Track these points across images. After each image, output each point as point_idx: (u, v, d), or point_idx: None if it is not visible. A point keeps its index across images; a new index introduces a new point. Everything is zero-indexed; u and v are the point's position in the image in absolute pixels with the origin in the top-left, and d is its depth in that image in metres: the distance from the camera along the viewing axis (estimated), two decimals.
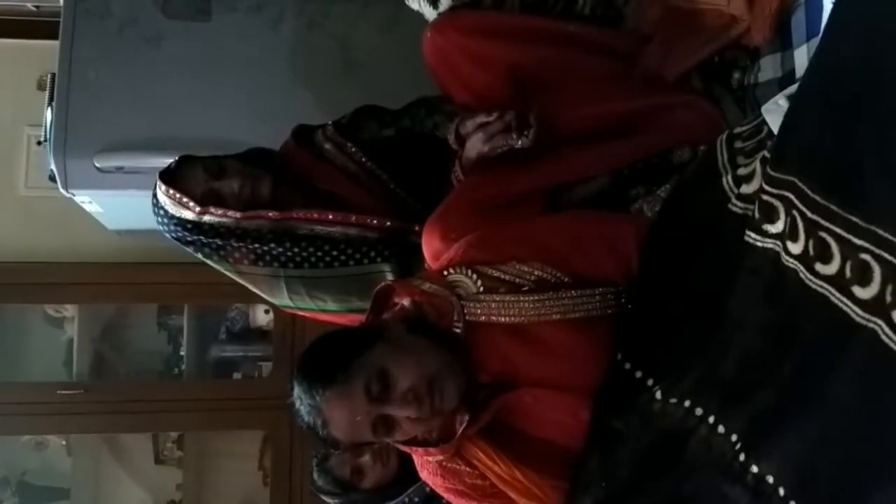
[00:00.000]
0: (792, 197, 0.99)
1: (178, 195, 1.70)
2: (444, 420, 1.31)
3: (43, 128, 2.54)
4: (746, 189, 1.12)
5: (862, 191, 0.90)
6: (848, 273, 0.91)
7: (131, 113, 2.31)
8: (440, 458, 1.35)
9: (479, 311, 1.33)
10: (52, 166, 2.34)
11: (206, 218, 1.71)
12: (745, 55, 1.63)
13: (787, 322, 1.03)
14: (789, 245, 1.00)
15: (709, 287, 1.16)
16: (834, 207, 0.93)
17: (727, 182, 1.16)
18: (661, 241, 1.32)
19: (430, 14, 1.78)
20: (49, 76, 2.52)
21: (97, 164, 2.30)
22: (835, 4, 1.02)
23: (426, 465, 1.41)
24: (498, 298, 1.32)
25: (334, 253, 1.73)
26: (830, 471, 0.98)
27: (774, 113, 1.11)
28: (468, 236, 1.43)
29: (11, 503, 3.59)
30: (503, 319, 1.32)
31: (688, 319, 1.20)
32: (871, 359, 0.90)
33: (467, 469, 1.35)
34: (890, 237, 0.86)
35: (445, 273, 1.37)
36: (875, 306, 0.89)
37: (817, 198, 0.95)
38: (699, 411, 1.15)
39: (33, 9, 3.07)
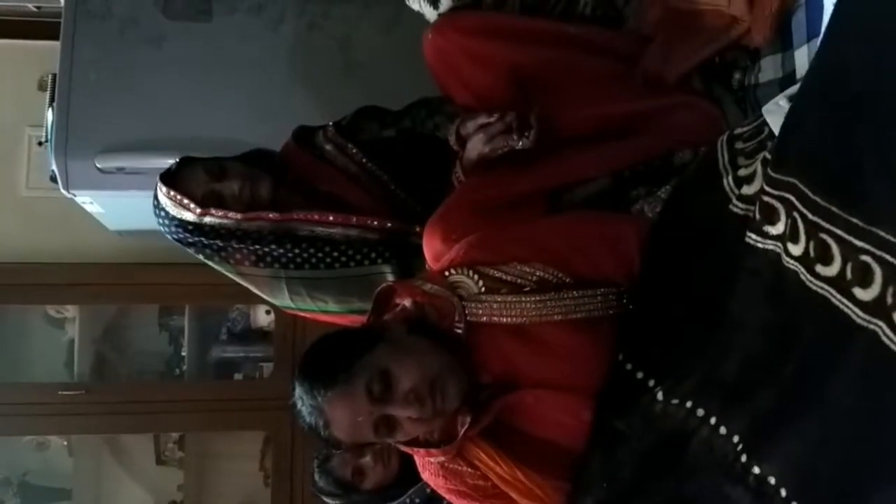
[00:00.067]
0: (793, 198, 0.99)
1: (178, 197, 1.70)
2: (445, 421, 1.31)
3: (44, 128, 2.55)
4: (747, 190, 1.12)
5: (862, 192, 0.90)
6: (849, 274, 0.92)
7: (132, 114, 2.31)
8: (442, 459, 1.36)
9: (480, 312, 1.33)
10: (54, 167, 2.34)
11: (207, 219, 1.71)
12: (745, 56, 1.62)
13: (787, 323, 1.03)
14: (790, 246, 1.00)
15: (710, 288, 1.16)
16: (834, 209, 0.93)
17: (728, 183, 1.16)
18: (661, 242, 1.32)
19: (430, 15, 1.78)
20: (50, 77, 2.52)
21: (98, 165, 2.31)
22: (836, 5, 1.02)
23: (428, 466, 1.41)
24: (499, 299, 1.32)
25: (335, 254, 1.73)
26: (831, 471, 0.98)
27: (775, 114, 1.11)
28: (469, 237, 1.43)
29: None
30: (505, 320, 1.32)
31: (689, 320, 1.21)
32: (872, 360, 0.90)
33: (469, 470, 1.35)
34: (891, 238, 0.86)
35: (447, 274, 1.37)
36: (876, 308, 0.89)
37: (818, 199, 0.95)
38: (701, 412, 1.15)
39: (34, 9, 3.08)
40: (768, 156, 1.07)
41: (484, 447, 1.33)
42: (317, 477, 2.06)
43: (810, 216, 0.96)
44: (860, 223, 0.90)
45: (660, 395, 1.21)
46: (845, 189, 0.92)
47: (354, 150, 1.80)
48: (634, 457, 1.24)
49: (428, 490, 1.67)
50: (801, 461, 1.00)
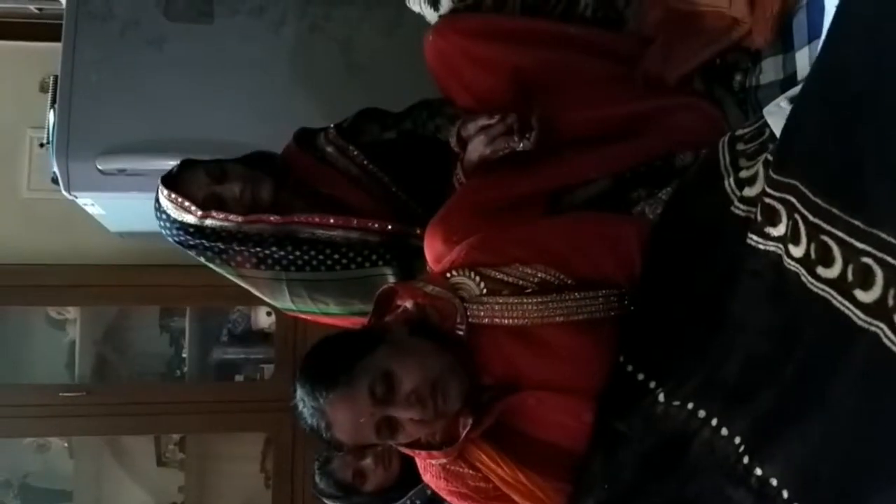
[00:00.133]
0: (794, 200, 0.99)
1: (180, 199, 1.70)
2: (447, 422, 1.31)
3: (45, 130, 2.55)
4: (749, 192, 1.12)
5: (863, 193, 0.90)
6: (850, 276, 0.92)
7: (133, 115, 2.31)
8: (443, 460, 1.36)
9: (482, 314, 1.33)
10: (55, 168, 2.34)
11: (208, 222, 1.71)
12: (746, 57, 1.63)
13: (788, 325, 1.03)
14: (791, 248, 1.00)
15: (711, 289, 1.17)
16: (836, 211, 0.93)
17: (729, 184, 1.17)
18: (662, 244, 1.33)
19: (431, 17, 1.78)
20: (51, 78, 2.53)
21: (99, 167, 2.30)
22: (838, 6, 1.02)
23: (429, 468, 1.41)
24: (501, 301, 1.32)
25: (336, 256, 1.73)
26: (832, 473, 0.98)
27: (776, 115, 1.11)
28: (470, 239, 1.43)
29: None
30: (506, 321, 1.32)
31: (690, 322, 1.21)
32: (873, 362, 0.90)
33: (470, 472, 1.35)
34: (891, 240, 0.86)
35: (448, 275, 1.37)
36: (877, 310, 0.89)
37: (819, 201, 0.95)
38: (702, 414, 1.15)
39: (36, 11, 3.08)
40: (770, 157, 1.07)
41: (485, 449, 1.33)
42: (317, 479, 2.06)
43: (811, 218, 0.96)
44: (861, 225, 0.90)
45: (661, 397, 1.21)
46: (846, 191, 0.93)
47: (355, 153, 1.80)
48: (636, 458, 1.24)
49: (429, 492, 1.67)
50: (802, 462, 1.00)
